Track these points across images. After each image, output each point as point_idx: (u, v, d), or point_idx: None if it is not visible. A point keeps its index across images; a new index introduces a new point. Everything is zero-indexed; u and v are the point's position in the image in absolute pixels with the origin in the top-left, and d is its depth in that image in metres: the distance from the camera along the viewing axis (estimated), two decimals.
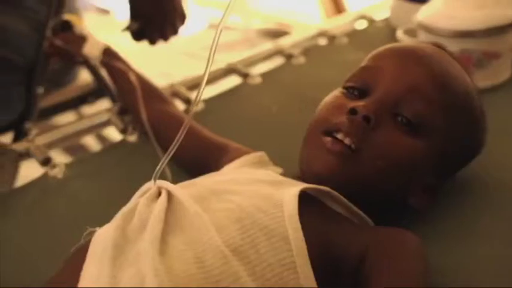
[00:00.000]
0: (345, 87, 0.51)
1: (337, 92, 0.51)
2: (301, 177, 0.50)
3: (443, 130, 0.48)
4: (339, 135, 0.45)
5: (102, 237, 0.41)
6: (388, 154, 0.45)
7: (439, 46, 0.55)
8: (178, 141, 0.44)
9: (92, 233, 0.43)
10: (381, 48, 0.53)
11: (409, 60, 0.49)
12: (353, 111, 0.45)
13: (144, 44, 0.87)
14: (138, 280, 0.36)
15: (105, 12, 2.97)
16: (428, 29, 0.78)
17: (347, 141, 0.45)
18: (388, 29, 0.98)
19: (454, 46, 0.76)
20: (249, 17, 2.54)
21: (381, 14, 1.08)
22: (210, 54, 0.45)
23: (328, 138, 0.46)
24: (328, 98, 0.51)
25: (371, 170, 0.45)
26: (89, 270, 0.39)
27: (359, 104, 0.46)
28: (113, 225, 0.42)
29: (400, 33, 0.85)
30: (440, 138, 0.48)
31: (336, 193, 0.45)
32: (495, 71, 0.76)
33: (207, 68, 0.45)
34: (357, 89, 0.49)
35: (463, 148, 0.52)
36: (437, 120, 0.48)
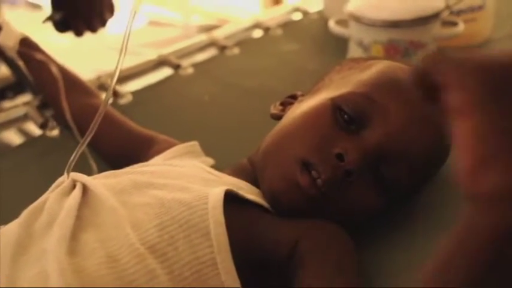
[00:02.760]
0: (338, 106, 0.44)
1: (326, 109, 0.45)
2: (241, 171, 0.48)
3: (410, 192, 0.47)
4: (314, 172, 0.42)
5: (5, 235, 0.37)
6: (352, 210, 0.44)
7: None
8: (94, 129, 0.42)
9: None
10: (394, 82, 0.45)
11: (418, 121, 0.44)
12: (340, 157, 0.42)
13: (71, 41, 0.82)
14: (40, 280, 0.33)
15: (36, 7, 2.82)
16: (358, 19, 0.79)
17: (319, 182, 0.42)
18: (322, 21, 0.99)
19: (382, 36, 0.78)
20: (189, 14, 2.50)
21: (315, 6, 1.09)
22: (123, 41, 0.42)
23: (305, 177, 0.42)
24: (317, 113, 0.45)
25: (328, 216, 0.43)
26: None
27: (348, 149, 0.42)
28: (18, 222, 0.38)
29: (331, 24, 0.86)
30: (403, 196, 0.47)
31: (266, 204, 0.44)
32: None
33: (120, 55, 0.43)
34: (349, 117, 0.44)
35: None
36: (409, 188, 0.46)
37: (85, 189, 0.41)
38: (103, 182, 0.42)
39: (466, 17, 0.84)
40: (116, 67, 0.41)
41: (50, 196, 0.40)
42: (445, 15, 0.79)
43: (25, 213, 0.39)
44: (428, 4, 0.77)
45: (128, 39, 0.41)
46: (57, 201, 0.40)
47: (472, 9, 0.85)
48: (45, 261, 0.34)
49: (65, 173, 0.42)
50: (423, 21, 0.76)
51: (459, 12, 0.84)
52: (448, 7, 0.79)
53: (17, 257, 0.35)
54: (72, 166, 0.42)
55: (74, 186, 0.41)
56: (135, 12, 0.41)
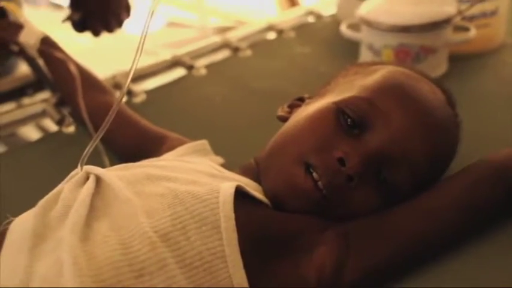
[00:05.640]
0: (341, 110, 0.45)
1: (330, 112, 0.46)
2: (248, 171, 0.49)
3: (412, 196, 0.46)
4: (315, 174, 0.43)
5: (21, 225, 0.39)
6: (354, 214, 0.44)
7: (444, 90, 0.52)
8: (107, 124, 0.42)
9: (11, 222, 0.41)
10: (397, 87, 0.46)
11: (420, 126, 0.45)
12: (342, 162, 0.42)
13: (91, 41, 0.85)
14: (57, 268, 0.35)
15: (58, 7, 2.88)
16: (369, 23, 0.80)
17: (320, 184, 0.42)
18: (334, 24, 1.00)
19: (393, 40, 0.78)
20: (206, 15, 2.53)
21: (329, 9, 1.10)
22: (140, 41, 0.44)
23: (308, 179, 0.43)
24: (320, 116, 0.46)
25: (330, 218, 0.44)
26: (4, 262, 0.37)
27: (350, 153, 0.43)
28: (33, 212, 0.40)
29: (343, 28, 0.87)
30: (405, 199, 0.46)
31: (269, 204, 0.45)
32: (432, 65, 0.79)
33: (135, 56, 0.44)
34: (352, 121, 0.45)
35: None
36: (411, 192, 0.45)
37: (98, 180, 0.42)
38: (116, 174, 0.43)
39: (478, 23, 0.84)
40: (132, 66, 0.42)
41: (65, 187, 0.42)
42: (457, 20, 0.79)
43: (41, 203, 0.41)
44: (440, 9, 0.77)
45: (145, 39, 0.42)
46: (72, 191, 0.41)
47: (484, 15, 0.85)
48: (59, 250, 0.36)
49: (79, 166, 0.44)
50: (434, 26, 0.77)
51: (472, 18, 0.84)
52: (460, 12, 0.79)
53: (34, 247, 0.37)
54: (85, 159, 0.43)
55: (87, 178, 0.43)
56: (152, 11, 0.43)
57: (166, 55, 0.89)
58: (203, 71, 0.85)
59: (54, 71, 0.72)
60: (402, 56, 0.78)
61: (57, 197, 0.41)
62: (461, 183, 0.45)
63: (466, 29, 0.81)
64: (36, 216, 0.39)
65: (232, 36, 0.97)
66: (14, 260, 0.36)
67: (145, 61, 0.86)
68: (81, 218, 0.38)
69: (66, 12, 0.84)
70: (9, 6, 0.77)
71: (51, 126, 0.73)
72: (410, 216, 0.43)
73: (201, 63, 0.88)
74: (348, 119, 0.45)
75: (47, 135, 0.70)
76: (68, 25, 0.84)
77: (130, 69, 0.43)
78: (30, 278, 0.35)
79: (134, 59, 0.43)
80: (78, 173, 0.44)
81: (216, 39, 0.96)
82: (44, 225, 0.39)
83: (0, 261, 0.37)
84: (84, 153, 0.43)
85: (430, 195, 0.45)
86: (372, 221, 0.43)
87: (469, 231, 0.44)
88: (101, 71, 0.74)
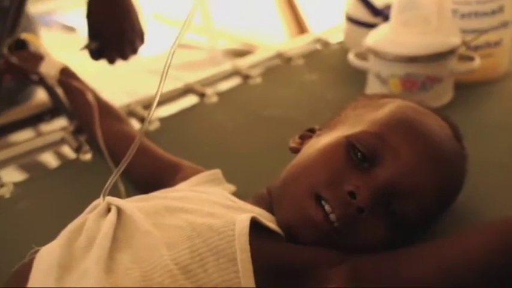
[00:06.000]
0: (352, 144, 0.47)
1: (341, 146, 0.48)
2: (261, 201, 0.50)
3: (421, 227, 0.48)
4: (327, 207, 0.45)
5: (47, 255, 0.41)
6: (364, 245, 0.45)
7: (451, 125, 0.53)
8: (129, 158, 0.45)
9: (37, 252, 0.42)
10: (405, 122, 0.49)
11: (428, 160, 0.47)
12: (352, 195, 0.44)
13: (104, 62, 0.88)
14: None
15: (70, 29, 2.95)
16: (376, 53, 0.82)
17: (332, 217, 0.44)
18: (342, 52, 1.02)
19: (400, 70, 0.81)
20: (215, 37, 2.57)
21: (337, 37, 1.13)
22: (162, 73, 0.46)
23: (319, 212, 0.44)
24: (331, 150, 0.48)
25: (340, 249, 0.45)
26: None
27: (360, 186, 0.44)
28: (59, 243, 0.42)
29: (351, 56, 0.89)
30: (414, 230, 0.48)
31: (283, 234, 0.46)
32: (438, 94, 0.81)
33: (159, 87, 0.46)
34: (362, 155, 0.46)
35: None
36: (419, 224, 0.47)
37: (119, 211, 0.44)
38: (136, 205, 0.45)
39: (483, 52, 0.86)
40: (155, 96, 0.44)
41: (89, 217, 0.44)
42: (462, 50, 0.81)
43: (65, 234, 0.43)
44: (445, 40, 0.80)
45: (167, 72, 0.44)
46: (95, 222, 0.43)
47: (489, 45, 0.87)
48: (85, 282, 0.38)
49: (101, 197, 0.46)
50: (440, 56, 0.79)
51: (476, 48, 0.86)
52: (464, 43, 0.81)
53: (60, 278, 0.38)
54: (107, 191, 0.45)
55: (108, 209, 0.45)
56: (173, 52, 0.45)
57: (178, 83, 0.91)
58: (214, 99, 0.88)
59: (73, 101, 0.75)
60: (409, 85, 0.81)
61: (81, 228, 0.43)
62: (480, 243, 0.43)
63: (471, 59, 0.84)
64: (62, 247, 0.41)
65: (243, 63, 1.00)
66: None
67: (156, 84, 0.89)
68: (104, 251, 0.40)
69: (78, 34, 0.87)
70: (30, 38, 0.80)
71: (70, 153, 0.75)
72: (422, 263, 0.43)
73: (212, 90, 0.90)
74: (358, 153, 0.47)
75: (65, 163, 0.72)
76: (78, 46, 0.86)
77: (154, 100, 0.46)
78: None
79: (157, 91, 0.45)
80: (99, 203, 0.46)
81: (227, 66, 0.99)
82: (69, 256, 0.40)
83: None
84: (106, 185, 0.45)
85: (445, 245, 0.44)
86: (384, 262, 0.44)
87: None
88: (112, 92, 0.76)
